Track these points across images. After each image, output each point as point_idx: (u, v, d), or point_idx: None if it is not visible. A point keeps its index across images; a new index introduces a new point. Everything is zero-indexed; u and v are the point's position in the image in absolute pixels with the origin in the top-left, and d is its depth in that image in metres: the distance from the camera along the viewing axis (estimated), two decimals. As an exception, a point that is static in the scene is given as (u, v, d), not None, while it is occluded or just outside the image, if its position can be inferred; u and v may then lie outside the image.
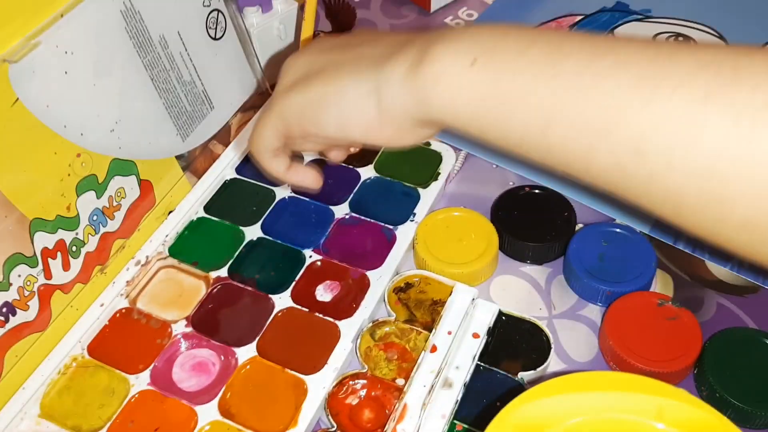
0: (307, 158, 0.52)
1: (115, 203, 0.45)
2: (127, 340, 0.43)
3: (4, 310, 0.40)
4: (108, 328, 0.44)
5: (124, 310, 0.44)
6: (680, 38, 0.61)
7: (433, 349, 0.41)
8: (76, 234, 0.43)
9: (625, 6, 0.64)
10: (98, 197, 0.44)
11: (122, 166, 0.45)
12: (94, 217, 0.44)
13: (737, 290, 0.45)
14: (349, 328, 0.43)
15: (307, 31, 0.51)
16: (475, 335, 0.42)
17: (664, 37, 0.61)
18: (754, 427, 0.39)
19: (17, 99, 0.38)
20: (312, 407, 0.39)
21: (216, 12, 0.50)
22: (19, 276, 0.40)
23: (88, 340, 0.43)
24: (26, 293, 0.41)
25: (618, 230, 0.46)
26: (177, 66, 0.48)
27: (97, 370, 0.42)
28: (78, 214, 0.43)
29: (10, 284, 0.39)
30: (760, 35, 0.60)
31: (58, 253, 0.42)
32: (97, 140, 0.43)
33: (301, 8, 0.57)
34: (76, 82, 0.41)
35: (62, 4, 0.40)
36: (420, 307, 0.44)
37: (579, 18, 0.63)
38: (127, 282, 0.45)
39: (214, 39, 0.51)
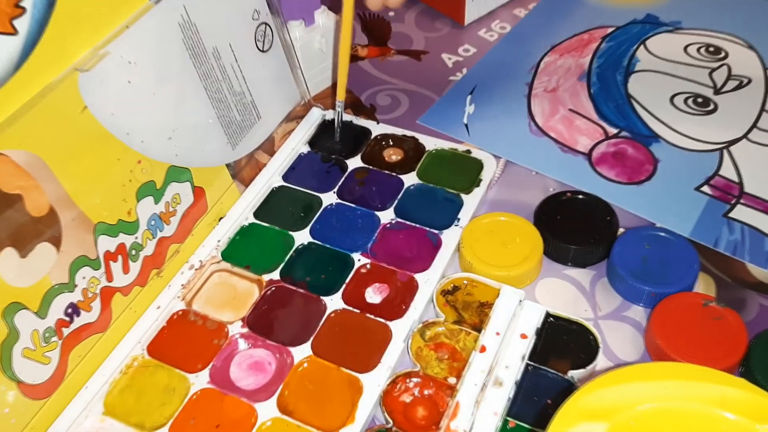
0: (352, 165, 0.54)
1: (171, 209, 0.47)
2: (184, 340, 0.44)
3: (69, 310, 0.41)
4: (166, 330, 0.45)
5: (180, 312, 0.46)
6: (711, 48, 0.62)
7: (483, 349, 0.42)
8: (136, 238, 0.44)
9: (656, 18, 0.66)
10: (156, 203, 0.45)
11: (178, 173, 0.47)
12: (152, 222, 0.46)
13: (779, 292, 0.46)
14: (400, 328, 0.44)
15: (344, 44, 0.52)
16: (523, 336, 0.43)
17: (695, 48, 0.62)
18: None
19: (86, 106, 0.40)
20: (368, 404, 0.40)
21: (264, 25, 0.52)
22: (84, 278, 0.41)
23: (147, 341, 0.44)
24: (89, 295, 0.42)
25: (660, 233, 0.47)
26: (228, 77, 0.50)
27: (157, 369, 0.43)
28: (137, 218, 0.44)
29: (75, 285, 0.41)
30: (790, 45, 0.62)
31: (119, 257, 0.43)
32: (156, 147, 0.45)
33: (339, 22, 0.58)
34: (138, 91, 0.43)
35: (126, 17, 0.42)
36: (468, 308, 0.45)
37: (611, 30, 0.65)
38: (183, 285, 0.47)
39: (262, 51, 0.53)
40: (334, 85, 0.61)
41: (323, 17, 0.58)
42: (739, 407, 0.29)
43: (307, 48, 0.58)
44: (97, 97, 0.40)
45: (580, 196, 0.50)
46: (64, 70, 0.39)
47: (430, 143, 0.55)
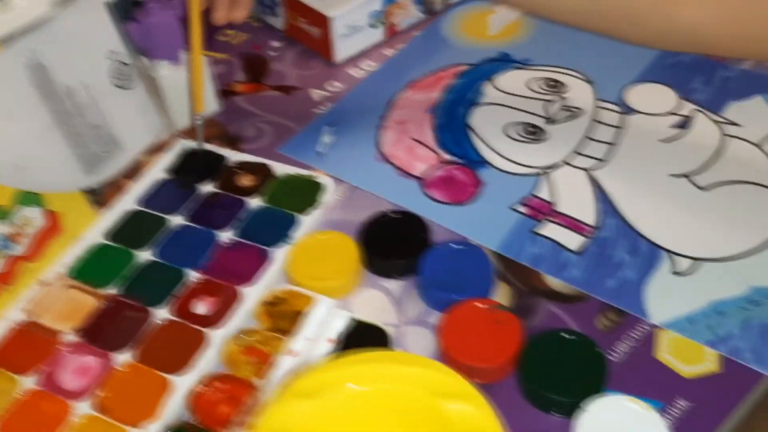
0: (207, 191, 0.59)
1: (21, 230, 0.51)
2: (22, 348, 0.49)
3: None
4: (7, 338, 0.49)
5: (23, 323, 0.50)
6: (551, 82, 0.68)
7: (292, 352, 0.47)
8: (-18, 256, 0.49)
9: (508, 56, 0.71)
10: (3, 224, 0.50)
11: (27, 198, 0.51)
12: (0, 242, 0.50)
13: (567, 299, 0.50)
14: (216, 336, 0.48)
15: (196, 63, 0.58)
16: (330, 340, 0.48)
17: (537, 82, 0.68)
18: (569, 415, 0.44)
19: (-76, 137, 0.45)
20: (173, 402, 0.45)
21: (121, 64, 0.58)
22: (-75, 291, 0.46)
23: (-13, 349, 0.49)
24: (-68, 306, 0.46)
25: (463, 247, 0.52)
26: (82, 111, 0.55)
27: (-9, 373, 0.47)
28: (-17, 238, 0.49)
29: None
30: (622, 77, 0.67)
31: (-36, 272, 0.48)
32: (3, 175, 0.50)
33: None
34: (-19, 124, 0.48)
35: (-31, 59, 0.48)
36: (285, 317, 0.50)
37: (465, 67, 0.71)
38: (29, 299, 0.51)
39: (120, 88, 0.58)
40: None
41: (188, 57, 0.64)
42: (430, 386, 0.33)
43: (174, 84, 0.64)
44: (-63, 128, 0.45)
45: (399, 216, 0.55)
46: None
47: (281, 170, 0.60)
